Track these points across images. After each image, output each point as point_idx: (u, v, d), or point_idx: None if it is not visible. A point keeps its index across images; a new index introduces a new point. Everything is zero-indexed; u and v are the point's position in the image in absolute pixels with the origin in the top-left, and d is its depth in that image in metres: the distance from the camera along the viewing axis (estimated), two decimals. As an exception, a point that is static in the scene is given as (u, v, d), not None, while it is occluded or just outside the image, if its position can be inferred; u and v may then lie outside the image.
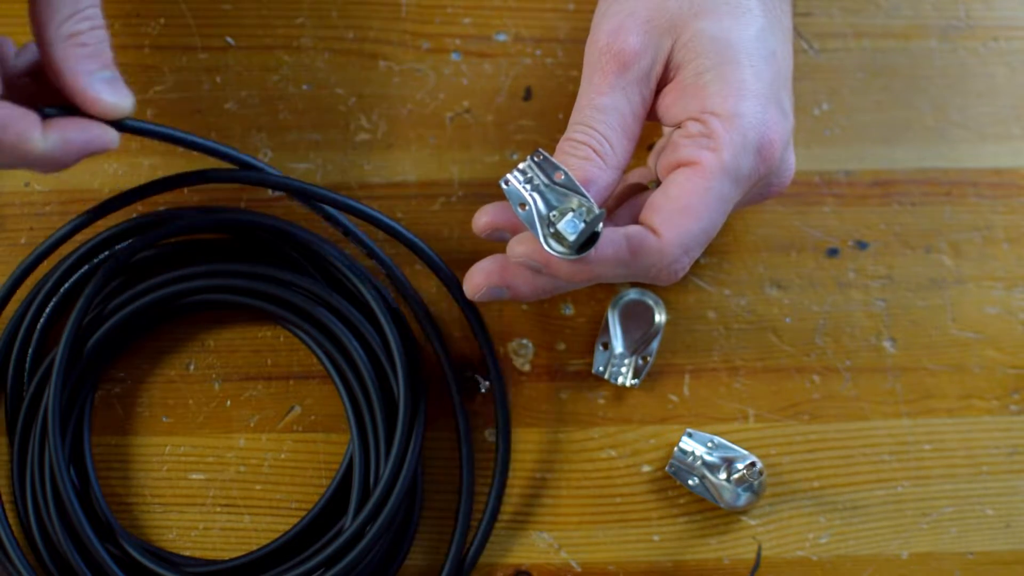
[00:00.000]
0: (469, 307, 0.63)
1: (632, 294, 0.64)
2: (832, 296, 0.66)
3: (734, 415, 0.64)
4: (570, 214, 0.53)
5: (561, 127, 0.65)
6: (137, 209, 0.64)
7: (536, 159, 0.54)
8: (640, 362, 0.64)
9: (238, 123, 0.65)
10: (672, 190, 0.55)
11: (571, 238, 0.53)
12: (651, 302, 0.64)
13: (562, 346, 0.65)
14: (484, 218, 0.57)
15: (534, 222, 0.54)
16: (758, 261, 0.66)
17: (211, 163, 0.64)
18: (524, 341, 0.65)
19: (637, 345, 0.64)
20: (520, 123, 0.66)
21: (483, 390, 0.63)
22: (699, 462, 0.62)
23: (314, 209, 0.64)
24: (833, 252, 0.66)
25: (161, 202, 0.64)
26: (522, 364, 0.64)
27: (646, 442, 0.64)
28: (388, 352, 0.61)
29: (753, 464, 0.60)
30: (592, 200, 0.53)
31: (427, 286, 0.64)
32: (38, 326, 0.62)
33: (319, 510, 0.61)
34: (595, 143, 0.56)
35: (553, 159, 0.54)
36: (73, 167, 0.64)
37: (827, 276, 0.66)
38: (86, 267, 0.62)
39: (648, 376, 0.64)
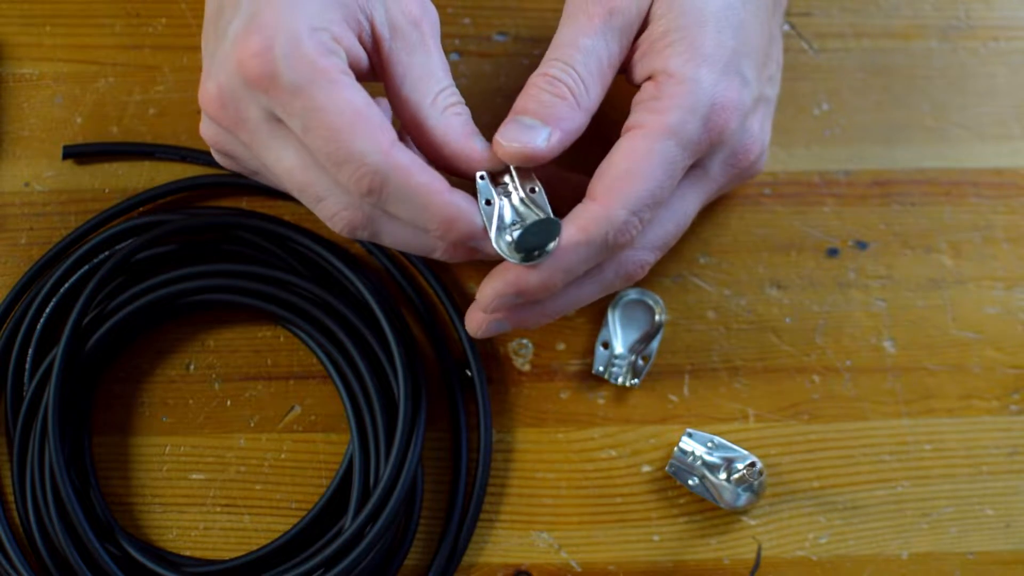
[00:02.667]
0: (451, 302, 0.63)
1: (632, 294, 0.64)
2: (832, 296, 0.66)
3: (734, 415, 0.64)
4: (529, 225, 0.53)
5: (561, 127, 0.66)
6: (137, 209, 0.64)
7: (518, 171, 0.54)
8: (640, 362, 0.64)
9: (238, 123, 0.65)
10: (615, 156, 0.55)
11: (517, 240, 0.53)
12: (651, 302, 0.64)
13: (562, 346, 0.65)
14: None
15: (492, 221, 0.53)
16: (758, 261, 0.66)
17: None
18: (524, 341, 0.65)
19: (637, 345, 0.64)
20: (520, 123, 0.66)
21: (468, 373, 0.63)
22: (699, 462, 0.62)
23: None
24: (833, 252, 0.66)
25: (161, 202, 0.65)
26: (522, 364, 0.64)
27: (646, 442, 0.64)
28: (388, 352, 0.61)
29: (753, 464, 0.60)
30: (554, 218, 0.53)
31: (427, 285, 0.64)
32: (38, 326, 0.62)
33: (319, 510, 0.61)
34: (571, 82, 0.55)
35: (533, 175, 0.54)
36: (73, 167, 0.65)
37: (827, 276, 0.66)
38: (86, 267, 0.62)
39: (648, 376, 0.64)
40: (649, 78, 0.56)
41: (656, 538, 0.63)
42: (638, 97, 0.56)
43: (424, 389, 0.61)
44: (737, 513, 0.63)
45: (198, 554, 0.62)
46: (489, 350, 0.64)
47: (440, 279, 0.64)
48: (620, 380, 0.63)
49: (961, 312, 0.66)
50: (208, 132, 0.55)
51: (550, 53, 0.56)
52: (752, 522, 0.63)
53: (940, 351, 0.66)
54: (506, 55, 0.67)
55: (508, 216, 0.54)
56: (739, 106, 0.56)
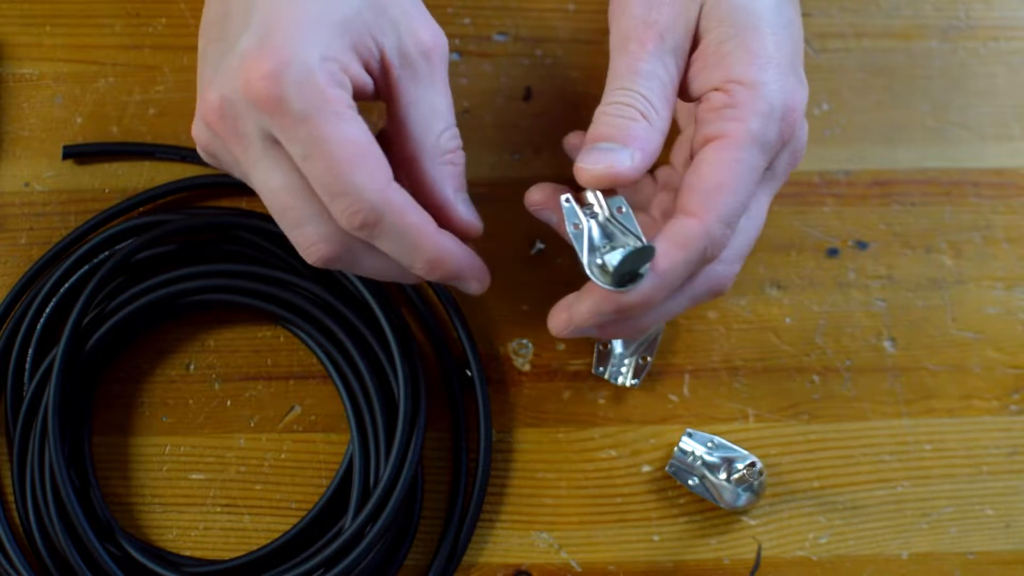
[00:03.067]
0: (450, 302, 0.63)
1: None
2: (832, 296, 0.66)
3: (734, 415, 0.64)
4: (620, 249, 0.53)
5: (561, 127, 0.66)
6: (137, 209, 0.64)
7: (603, 192, 0.54)
8: (640, 362, 0.64)
9: (238, 123, 0.65)
10: (703, 168, 0.54)
11: (612, 269, 0.52)
12: None
13: (562, 346, 0.65)
14: (536, 195, 0.57)
15: (582, 245, 0.53)
16: (758, 261, 0.66)
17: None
18: (524, 341, 0.65)
19: (637, 345, 0.64)
20: (520, 124, 0.66)
21: (468, 373, 0.63)
22: (699, 462, 0.62)
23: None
24: (833, 252, 0.66)
25: (164, 201, 0.65)
26: (522, 364, 0.64)
27: (646, 442, 0.64)
28: (388, 352, 0.61)
29: (753, 464, 0.60)
30: (644, 240, 0.53)
31: (427, 285, 0.64)
32: (38, 326, 0.62)
33: (319, 510, 0.61)
34: (640, 105, 0.55)
35: (621, 196, 0.54)
36: (73, 167, 0.65)
37: (827, 276, 0.66)
38: (86, 267, 0.62)
39: (648, 376, 0.64)
40: (714, 89, 0.56)
41: (656, 538, 0.63)
42: (706, 108, 0.56)
43: (424, 389, 0.61)
44: (737, 513, 0.63)
45: (198, 554, 0.62)
46: (489, 350, 0.64)
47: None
48: (620, 380, 0.63)
49: (961, 312, 0.66)
50: (200, 135, 0.55)
51: (611, 84, 0.56)
52: (752, 522, 0.63)
53: (940, 351, 0.66)
54: (506, 55, 0.67)
55: (597, 238, 0.53)
56: (802, 104, 0.56)
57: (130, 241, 0.62)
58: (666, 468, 0.62)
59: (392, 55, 0.54)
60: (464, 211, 0.56)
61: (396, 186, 0.52)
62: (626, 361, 0.63)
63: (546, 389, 0.64)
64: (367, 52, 0.53)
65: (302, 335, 0.63)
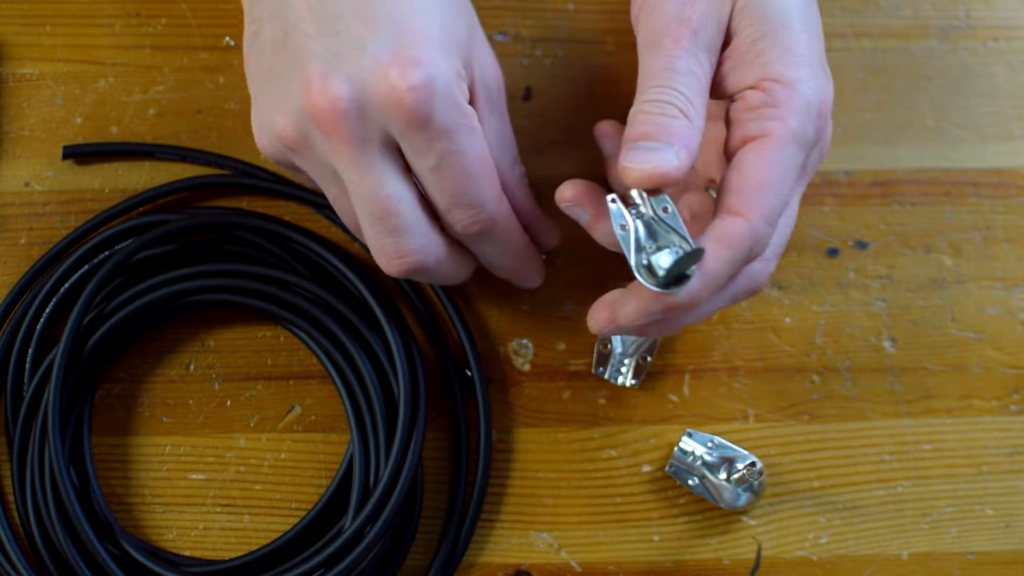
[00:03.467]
0: (450, 302, 0.63)
1: None
2: (832, 296, 0.66)
3: (734, 415, 0.64)
4: (667, 249, 0.52)
5: (561, 127, 0.66)
6: (137, 209, 0.64)
7: (648, 191, 0.54)
8: (640, 362, 0.64)
9: (239, 123, 0.65)
10: (745, 168, 0.54)
11: (661, 272, 0.52)
12: None
13: (562, 346, 0.65)
14: (569, 192, 0.57)
15: (630, 246, 0.53)
16: (758, 261, 0.66)
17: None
18: (524, 341, 0.65)
19: (637, 345, 0.64)
20: (520, 123, 0.66)
21: (468, 373, 0.63)
22: (699, 462, 0.62)
23: (316, 209, 0.64)
24: (833, 252, 0.66)
25: (163, 202, 0.65)
26: (522, 364, 0.64)
27: (646, 442, 0.64)
28: (388, 352, 0.61)
29: (753, 464, 0.60)
30: (691, 243, 0.52)
31: (427, 286, 0.64)
32: (38, 326, 0.62)
33: (319, 510, 0.61)
34: (679, 102, 0.54)
35: (666, 196, 0.54)
36: (73, 167, 0.65)
37: (827, 276, 0.66)
38: (86, 267, 0.62)
39: (648, 376, 0.64)
40: (749, 88, 0.56)
41: (656, 538, 0.63)
42: (742, 107, 0.56)
43: (424, 389, 0.61)
44: (737, 513, 0.63)
45: (198, 554, 0.62)
46: (489, 350, 0.64)
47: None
48: (620, 380, 0.63)
49: (961, 312, 0.66)
50: (288, 129, 0.54)
51: (646, 83, 0.55)
52: (752, 522, 0.63)
53: (940, 351, 0.66)
54: (506, 55, 0.67)
55: (643, 238, 0.53)
56: (831, 100, 0.56)
57: (130, 241, 0.62)
58: (666, 468, 0.62)
59: (478, 82, 0.56)
60: (551, 226, 0.61)
61: (504, 196, 0.56)
62: (626, 361, 0.63)
63: (546, 389, 0.64)
64: (467, 76, 0.55)
65: (302, 335, 0.63)
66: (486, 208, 0.55)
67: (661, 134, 0.54)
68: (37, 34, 0.66)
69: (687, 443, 0.62)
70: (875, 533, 0.63)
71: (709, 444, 0.62)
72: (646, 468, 0.64)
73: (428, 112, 0.52)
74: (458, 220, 0.55)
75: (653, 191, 0.54)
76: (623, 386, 0.64)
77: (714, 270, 0.53)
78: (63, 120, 0.65)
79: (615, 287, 0.64)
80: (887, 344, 0.66)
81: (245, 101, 0.65)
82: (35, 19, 0.66)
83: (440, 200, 0.55)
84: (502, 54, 0.67)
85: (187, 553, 0.61)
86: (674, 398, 0.64)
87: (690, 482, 0.62)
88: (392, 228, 0.55)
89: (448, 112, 0.53)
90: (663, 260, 0.52)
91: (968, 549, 0.64)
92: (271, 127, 0.55)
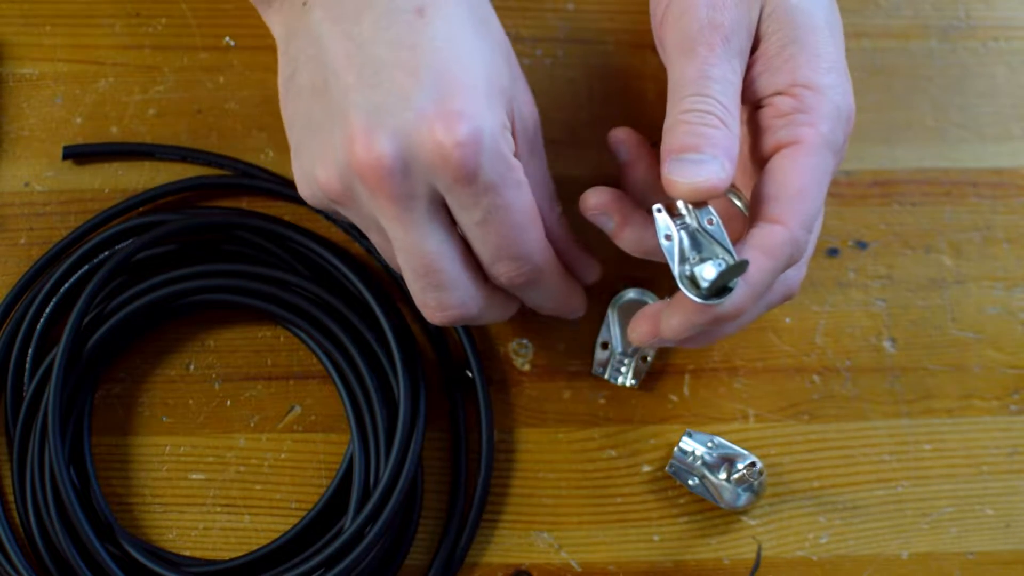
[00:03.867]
0: None
1: (631, 294, 0.64)
2: (832, 296, 0.66)
3: (734, 415, 0.64)
4: (710, 261, 0.52)
5: (561, 127, 0.66)
6: (137, 209, 0.64)
7: (691, 203, 0.54)
8: (640, 362, 0.64)
9: (239, 123, 0.65)
10: (782, 175, 0.55)
11: (705, 284, 0.52)
12: (650, 301, 0.64)
13: (562, 346, 0.65)
14: (594, 199, 0.57)
15: (674, 257, 0.53)
16: (758, 261, 0.66)
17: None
18: (524, 341, 0.65)
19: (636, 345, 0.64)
20: (520, 123, 0.66)
21: (469, 374, 0.63)
22: (699, 462, 0.62)
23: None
24: (833, 252, 0.66)
25: (163, 202, 0.64)
26: (522, 364, 0.64)
27: (646, 442, 0.64)
28: (388, 352, 0.61)
29: (753, 464, 0.60)
30: (735, 255, 0.52)
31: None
32: (38, 326, 0.62)
33: (319, 510, 0.61)
34: (719, 111, 0.54)
35: (710, 207, 0.53)
36: (73, 167, 0.65)
37: (827, 276, 0.66)
38: (86, 267, 0.62)
39: (648, 376, 0.64)
40: (778, 93, 0.56)
41: (656, 538, 0.63)
42: (772, 113, 0.56)
43: (424, 389, 0.61)
44: (737, 513, 0.63)
45: (198, 554, 0.62)
46: (489, 350, 0.64)
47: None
48: (620, 380, 0.63)
49: (961, 312, 0.66)
50: (333, 184, 0.53)
51: (682, 91, 0.55)
52: (752, 522, 0.63)
53: (940, 351, 0.66)
54: (506, 55, 0.67)
55: (687, 249, 0.53)
56: (854, 104, 0.57)
57: (130, 241, 0.62)
58: (666, 468, 0.62)
59: (520, 124, 0.55)
60: (591, 262, 0.60)
61: (548, 244, 0.56)
62: (626, 361, 0.63)
63: (546, 389, 0.64)
64: (511, 121, 0.54)
65: (302, 335, 0.63)
66: (532, 260, 0.55)
67: (705, 145, 0.53)
68: (37, 34, 0.66)
69: (687, 443, 0.62)
70: (875, 533, 0.63)
71: (709, 444, 0.62)
72: (646, 468, 0.64)
73: (475, 168, 0.51)
74: (503, 272, 0.55)
75: (698, 203, 0.53)
76: (623, 386, 0.64)
77: (757, 279, 0.53)
78: (63, 120, 0.65)
79: (615, 287, 0.64)
80: (887, 344, 0.66)
81: (245, 101, 0.66)
82: (35, 19, 0.66)
83: (485, 253, 0.54)
84: (502, 54, 0.67)
85: (187, 553, 0.61)
86: (674, 398, 0.64)
87: (690, 482, 0.62)
88: (436, 284, 0.54)
89: (495, 166, 0.52)
90: (707, 272, 0.52)
91: (968, 549, 0.64)
92: (314, 178, 0.54)
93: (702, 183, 0.53)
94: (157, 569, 0.59)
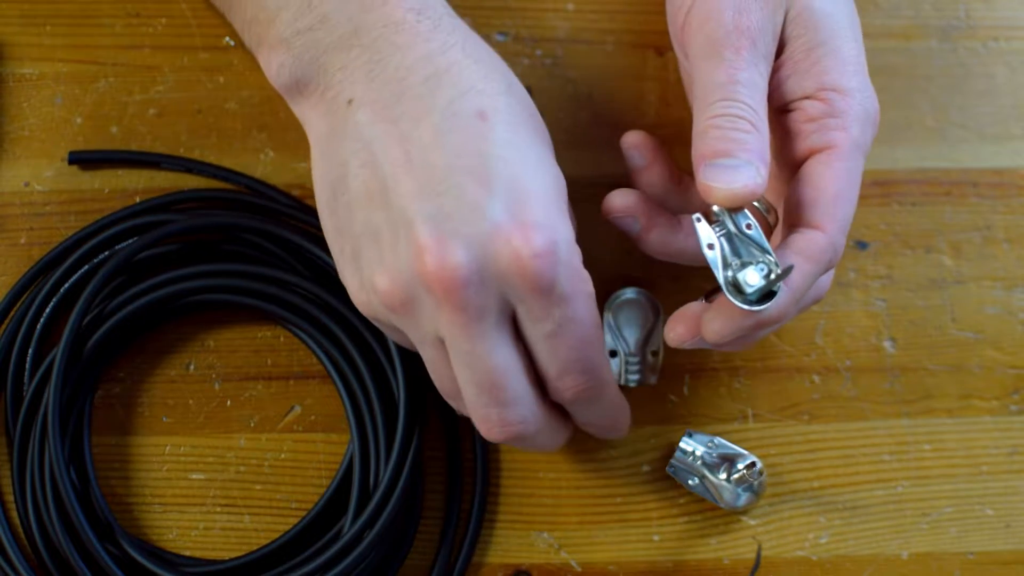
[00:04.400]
0: None
1: (628, 293, 0.64)
2: (832, 296, 0.66)
3: (734, 415, 0.64)
4: (751, 266, 0.52)
5: (561, 127, 0.65)
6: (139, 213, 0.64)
7: (728, 209, 0.53)
8: (651, 357, 0.63)
9: (239, 123, 0.65)
10: (818, 181, 0.55)
11: (750, 290, 0.52)
12: (644, 298, 0.64)
13: (562, 346, 0.65)
14: (618, 201, 0.57)
15: (718, 266, 0.53)
16: (758, 261, 0.66)
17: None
18: (524, 341, 0.64)
19: (643, 343, 0.63)
20: (520, 123, 0.66)
21: None
22: (699, 462, 0.62)
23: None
24: (833, 252, 0.66)
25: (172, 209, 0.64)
26: (522, 364, 0.64)
27: (646, 442, 0.64)
28: (387, 352, 0.61)
29: (753, 464, 0.60)
30: (775, 257, 0.53)
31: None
32: (38, 326, 0.62)
33: (319, 510, 0.61)
34: (749, 116, 0.54)
35: (746, 211, 0.53)
36: (73, 167, 0.65)
37: (827, 276, 0.66)
38: (86, 267, 0.62)
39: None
40: (806, 97, 0.56)
41: (656, 538, 0.63)
42: (802, 117, 0.56)
43: (424, 390, 0.61)
44: (737, 513, 0.63)
45: (198, 554, 0.62)
46: (489, 350, 0.64)
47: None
48: (637, 380, 0.63)
49: (961, 312, 0.66)
50: (395, 294, 0.52)
51: (711, 96, 0.54)
52: (752, 522, 0.63)
53: (940, 351, 0.66)
54: (506, 55, 0.67)
55: (729, 255, 0.53)
56: (878, 106, 0.57)
57: (131, 241, 0.62)
58: (666, 468, 0.62)
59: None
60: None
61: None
62: (636, 360, 0.63)
63: (546, 389, 0.64)
64: None
65: (302, 335, 0.63)
66: (598, 373, 0.54)
67: (739, 150, 0.53)
68: (37, 34, 0.66)
69: (687, 443, 0.62)
70: (875, 533, 0.63)
71: (709, 444, 0.62)
72: (646, 468, 0.64)
73: (552, 279, 0.50)
74: (569, 387, 0.54)
75: (735, 208, 0.53)
76: (645, 385, 0.63)
77: (799, 284, 0.53)
78: (63, 120, 0.65)
79: (616, 287, 0.64)
80: (887, 344, 0.66)
81: (245, 101, 0.66)
82: (35, 19, 0.66)
83: (553, 367, 0.53)
84: (502, 54, 0.67)
85: (187, 553, 0.61)
86: (674, 398, 0.64)
87: (690, 482, 0.62)
88: (499, 400, 0.53)
89: (570, 278, 0.51)
90: (751, 278, 0.52)
91: (968, 549, 0.64)
92: (373, 288, 0.53)
93: (739, 188, 0.53)
94: (157, 570, 0.59)
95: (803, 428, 0.64)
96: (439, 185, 0.51)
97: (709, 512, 0.63)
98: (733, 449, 0.62)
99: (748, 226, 0.53)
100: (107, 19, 0.66)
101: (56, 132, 0.65)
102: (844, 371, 0.65)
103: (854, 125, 0.55)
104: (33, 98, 0.65)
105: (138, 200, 0.64)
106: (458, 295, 0.50)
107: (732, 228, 0.53)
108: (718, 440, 0.62)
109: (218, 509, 0.62)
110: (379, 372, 0.61)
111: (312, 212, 0.64)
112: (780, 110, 0.57)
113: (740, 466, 0.61)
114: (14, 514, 0.61)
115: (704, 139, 0.54)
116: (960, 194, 0.67)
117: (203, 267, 0.62)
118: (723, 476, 0.61)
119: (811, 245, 0.54)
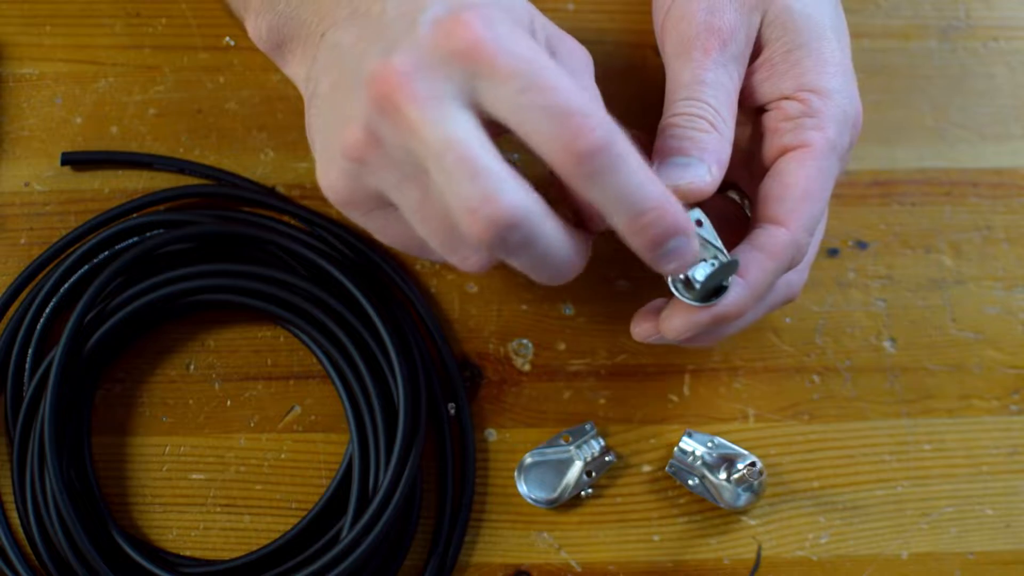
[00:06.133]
0: (432, 319, 0.63)
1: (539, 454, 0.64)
2: (832, 296, 0.66)
3: (734, 415, 0.64)
4: (702, 262, 0.53)
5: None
6: (138, 211, 0.64)
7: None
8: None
9: (239, 123, 0.65)
10: (787, 177, 0.55)
11: (698, 285, 0.52)
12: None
13: (562, 346, 0.65)
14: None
15: None
16: (758, 261, 0.66)
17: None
18: (524, 341, 0.65)
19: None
20: (520, 123, 0.66)
21: (452, 412, 0.63)
22: (699, 462, 0.62)
23: (311, 226, 0.64)
24: (833, 252, 0.66)
25: (163, 207, 0.64)
26: (522, 364, 0.64)
27: (646, 442, 0.64)
28: (386, 354, 0.61)
29: (753, 464, 0.60)
30: (726, 253, 0.53)
31: (412, 308, 0.65)
32: (38, 326, 0.62)
33: (319, 510, 0.61)
34: (710, 115, 0.55)
35: (698, 209, 0.54)
36: (73, 167, 0.65)
37: (827, 276, 0.66)
38: (86, 267, 0.62)
39: (648, 376, 0.64)
40: (785, 98, 0.56)
41: (656, 538, 0.63)
42: (779, 116, 0.56)
43: (424, 392, 0.61)
44: (737, 513, 0.63)
45: (198, 554, 0.62)
46: (489, 350, 0.64)
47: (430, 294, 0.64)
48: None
49: (961, 312, 0.66)
50: (357, 135, 0.49)
51: (675, 95, 0.55)
52: (752, 522, 0.63)
53: (940, 351, 0.66)
54: (506, 55, 0.67)
55: None
56: (861, 108, 0.57)
57: (134, 240, 0.62)
58: (666, 468, 0.62)
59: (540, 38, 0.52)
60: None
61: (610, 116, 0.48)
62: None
63: (546, 389, 0.64)
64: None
65: (302, 335, 0.63)
66: (598, 115, 0.46)
67: (694, 149, 0.54)
68: (37, 34, 0.66)
69: (687, 443, 0.62)
70: (875, 533, 0.63)
71: (709, 444, 0.62)
72: (646, 468, 0.64)
73: (494, 50, 0.47)
74: (565, 131, 0.47)
75: (688, 205, 0.54)
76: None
77: (758, 279, 0.53)
78: (63, 120, 0.65)
79: (615, 286, 0.64)
80: (887, 344, 0.66)
81: (245, 101, 0.66)
82: (35, 19, 0.66)
83: (536, 120, 0.47)
84: (502, 54, 0.67)
85: (187, 553, 0.61)
86: (674, 398, 0.64)
87: (690, 482, 0.62)
88: (472, 172, 0.47)
89: (515, 39, 0.47)
90: (699, 273, 0.52)
91: (968, 549, 0.64)
92: (341, 150, 0.50)
93: (685, 186, 0.53)
94: (156, 570, 0.59)
95: (803, 428, 0.64)
96: (381, 32, 0.50)
97: (709, 512, 0.63)
98: (733, 449, 0.62)
99: (699, 223, 0.54)
100: (107, 19, 0.66)
101: (56, 132, 0.65)
102: (844, 371, 0.65)
103: (831, 126, 0.55)
104: (33, 98, 0.65)
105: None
106: (406, 91, 0.47)
107: None
108: (718, 440, 0.62)
109: (218, 509, 0.62)
110: (379, 373, 0.61)
111: (308, 210, 0.64)
112: (759, 111, 0.57)
113: (740, 466, 0.61)
114: (14, 514, 0.61)
115: (662, 137, 0.55)
116: (960, 194, 0.67)
117: (203, 267, 0.62)
118: (723, 476, 0.61)
119: (772, 241, 0.54)
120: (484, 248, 0.49)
